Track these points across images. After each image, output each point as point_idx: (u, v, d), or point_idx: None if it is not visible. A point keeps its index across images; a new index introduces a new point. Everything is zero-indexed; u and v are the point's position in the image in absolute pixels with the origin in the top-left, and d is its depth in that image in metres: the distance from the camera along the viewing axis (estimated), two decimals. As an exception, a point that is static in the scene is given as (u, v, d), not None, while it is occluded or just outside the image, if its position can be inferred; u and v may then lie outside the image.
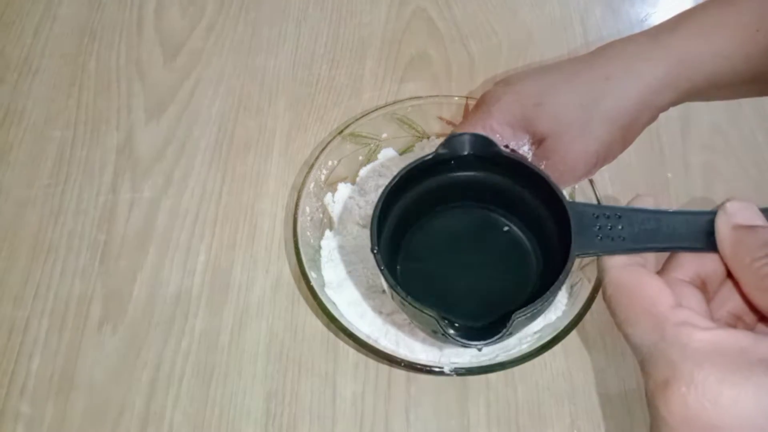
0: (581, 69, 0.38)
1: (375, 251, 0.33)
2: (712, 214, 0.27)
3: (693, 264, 0.28)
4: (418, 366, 0.39)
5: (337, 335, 0.46)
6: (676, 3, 0.66)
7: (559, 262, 0.31)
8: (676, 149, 0.55)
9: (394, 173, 0.35)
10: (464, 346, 0.30)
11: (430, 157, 0.35)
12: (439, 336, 0.32)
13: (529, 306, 0.30)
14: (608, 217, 0.29)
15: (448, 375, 0.39)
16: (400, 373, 0.44)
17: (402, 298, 0.32)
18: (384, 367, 0.45)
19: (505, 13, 0.65)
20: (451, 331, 0.30)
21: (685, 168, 0.54)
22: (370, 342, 0.40)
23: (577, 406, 0.43)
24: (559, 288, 0.30)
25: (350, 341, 0.40)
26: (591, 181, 0.44)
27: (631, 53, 0.37)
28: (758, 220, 0.27)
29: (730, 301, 0.27)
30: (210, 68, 0.60)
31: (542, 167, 0.37)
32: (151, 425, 0.42)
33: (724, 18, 0.37)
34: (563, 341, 0.39)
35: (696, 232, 0.28)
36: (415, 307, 0.31)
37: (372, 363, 0.45)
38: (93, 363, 0.45)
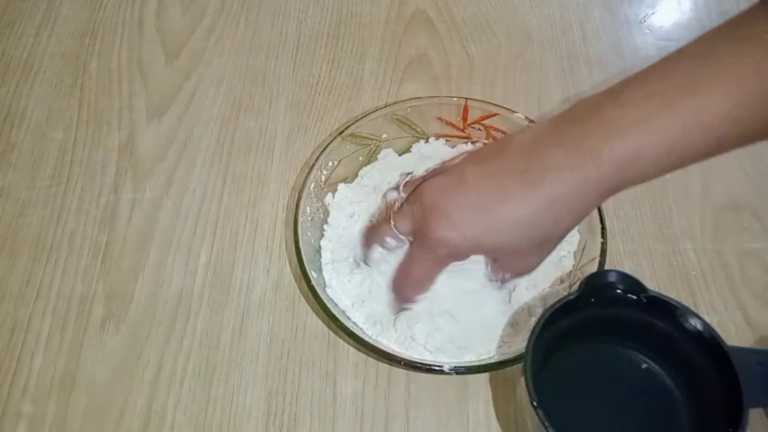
0: (524, 194, 0.35)
1: (534, 404, 0.32)
2: None
3: None
4: (419, 365, 0.40)
5: (337, 334, 0.46)
6: (675, 4, 0.67)
7: (718, 416, 0.30)
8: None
9: (543, 313, 0.36)
10: None
11: (574, 296, 0.36)
12: None
13: None
14: None
15: (448, 374, 0.39)
16: (400, 372, 0.45)
17: None
18: (384, 366, 0.45)
19: (505, 14, 0.65)
20: None
21: (683, 169, 0.54)
22: (371, 341, 0.40)
23: (576, 405, 0.43)
24: None
25: (351, 340, 0.40)
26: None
27: (566, 165, 0.34)
28: None
29: None
30: (211, 68, 0.60)
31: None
32: (152, 424, 0.43)
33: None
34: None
35: None
36: None
37: (372, 362, 0.45)
38: (94, 362, 0.45)
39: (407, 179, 0.43)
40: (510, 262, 0.40)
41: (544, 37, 0.63)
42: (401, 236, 0.40)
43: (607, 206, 0.50)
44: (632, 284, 0.37)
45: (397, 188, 0.44)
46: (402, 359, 0.40)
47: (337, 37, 0.63)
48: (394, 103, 0.52)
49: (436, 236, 0.36)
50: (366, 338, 0.41)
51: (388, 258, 0.43)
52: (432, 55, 0.62)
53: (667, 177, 0.53)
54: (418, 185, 0.39)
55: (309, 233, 0.46)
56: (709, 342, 0.33)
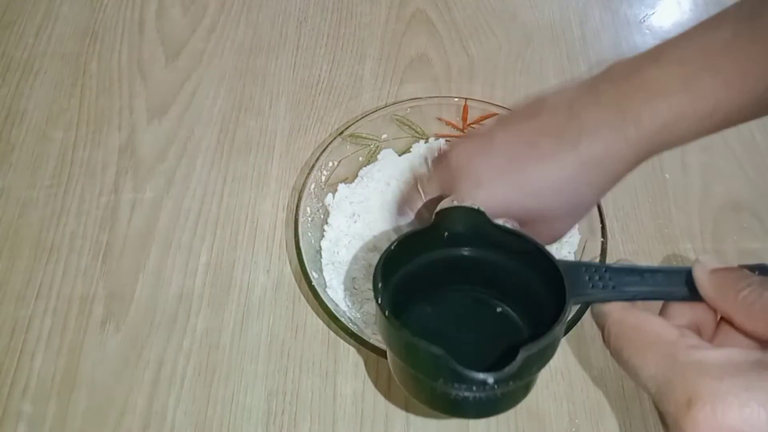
0: (559, 154, 0.34)
1: (379, 300, 0.31)
2: (688, 269, 0.29)
3: (686, 313, 0.28)
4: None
5: (337, 334, 0.46)
6: (674, 4, 0.67)
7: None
8: (675, 150, 0.55)
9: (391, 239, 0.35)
10: (470, 383, 0.27)
11: (424, 228, 0.35)
12: (440, 383, 0.29)
13: (535, 342, 0.28)
14: (596, 271, 0.30)
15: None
16: (400, 373, 0.45)
17: (406, 338, 0.29)
18: (384, 366, 0.45)
19: (505, 14, 0.65)
20: (458, 368, 0.27)
21: (683, 169, 0.54)
22: (371, 341, 0.40)
23: (575, 405, 0.44)
24: (561, 330, 0.29)
25: (351, 340, 0.40)
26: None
27: (605, 124, 0.33)
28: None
29: (728, 341, 0.27)
30: (211, 69, 0.60)
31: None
32: (152, 424, 0.43)
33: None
34: (562, 341, 0.39)
35: (678, 285, 0.29)
36: (420, 347, 0.28)
37: (372, 362, 0.45)
38: (95, 362, 0.45)
39: (436, 154, 0.42)
40: (539, 227, 0.37)
41: (544, 37, 0.63)
42: (429, 199, 0.39)
43: (607, 206, 0.50)
44: (477, 219, 0.34)
45: (425, 162, 0.43)
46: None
47: (337, 37, 0.63)
48: (394, 103, 0.52)
49: (460, 195, 0.35)
50: (366, 338, 0.41)
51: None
52: (432, 55, 0.62)
53: (667, 177, 0.54)
54: (445, 150, 0.38)
55: (309, 234, 0.46)
56: (538, 257, 0.33)
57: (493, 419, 0.43)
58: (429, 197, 0.39)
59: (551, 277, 0.31)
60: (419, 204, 0.40)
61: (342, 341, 0.46)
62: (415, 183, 0.41)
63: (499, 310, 0.35)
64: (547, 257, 0.32)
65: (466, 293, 0.36)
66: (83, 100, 0.58)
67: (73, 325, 0.46)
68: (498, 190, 0.35)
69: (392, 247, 0.33)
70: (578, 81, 0.36)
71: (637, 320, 0.27)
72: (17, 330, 0.46)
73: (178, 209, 0.52)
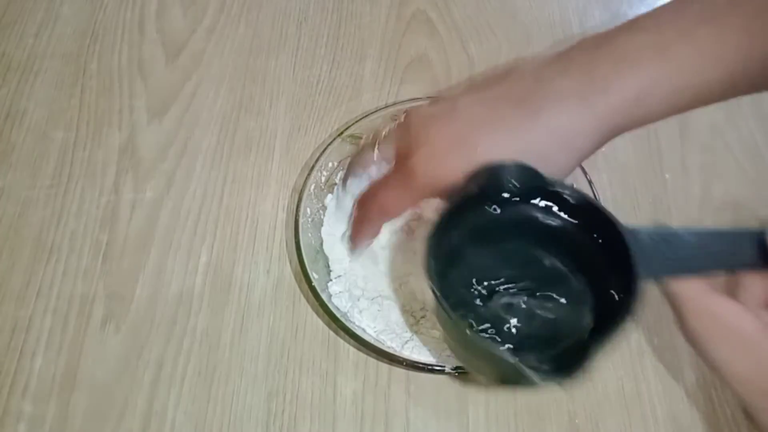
0: (519, 122, 0.32)
1: (434, 291, 0.29)
2: (761, 232, 0.27)
3: (758, 287, 0.27)
4: (419, 365, 0.40)
5: (337, 333, 0.46)
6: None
7: (616, 295, 0.29)
8: (674, 150, 0.55)
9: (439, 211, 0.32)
10: (542, 380, 0.27)
11: (472, 192, 0.32)
12: (504, 372, 0.29)
13: (606, 335, 0.27)
14: (664, 238, 0.28)
15: (448, 374, 0.39)
16: (400, 372, 0.45)
17: (478, 342, 0.29)
18: (384, 366, 0.45)
19: (505, 14, 0.65)
20: (525, 371, 0.26)
21: (683, 169, 0.54)
22: (373, 342, 0.40)
23: (575, 405, 0.44)
24: (632, 314, 0.27)
25: (351, 340, 0.40)
26: (590, 182, 0.44)
27: (570, 93, 0.31)
28: None
29: None
30: (211, 69, 0.60)
31: None
32: (153, 424, 0.43)
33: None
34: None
35: (748, 250, 0.27)
36: (490, 350, 0.28)
37: (372, 362, 0.45)
38: (95, 362, 0.45)
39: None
40: None
41: (544, 38, 0.63)
42: (383, 161, 0.37)
43: (607, 206, 0.50)
44: (531, 176, 0.32)
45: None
46: (404, 360, 0.40)
47: (337, 37, 0.63)
48: (394, 103, 0.52)
49: (413, 162, 0.33)
50: (367, 338, 0.41)
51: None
52: (432, 55, 0.62)
53: (667, 177, 0.54)
54: (407, 112, 0.36)
55: (309, 234, 0.46)
56: (602, 223, 0.31)
57: (493, 419, 0.43)
58: (383, 157, 0.37)
59: (611, 242, 0.29)
60: (371, 164, 0.38)
61: (342, 341, 0.46)
62: (369, 142, 0.39)
63: (550, 264, 0.33)
64: (610, 220, 0.30)
65: (519, 244, 0.33)
66: (83, 100, 0.58)
67: (73, 325, 0.46)
68: (450, 157, 0.33)
69: (439, 224, 0.31)
70: (551, 52, 0.34)
71: (716, 308, 0.26)
72: (17, 330, 0.46)
73: (178, 209, 0.52)
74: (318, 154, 0.48)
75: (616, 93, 0.30)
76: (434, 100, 0.37)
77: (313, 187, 0.47)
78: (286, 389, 0.44)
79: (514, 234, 0.33)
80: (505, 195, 0.32)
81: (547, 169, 0.32)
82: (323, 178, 0.49)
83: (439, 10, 0.65)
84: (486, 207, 0.33)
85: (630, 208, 0.52)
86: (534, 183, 0.32)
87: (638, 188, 0.53)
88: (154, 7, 0.65)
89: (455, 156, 0.33)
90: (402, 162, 0.35)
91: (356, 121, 0.50)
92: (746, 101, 0.57)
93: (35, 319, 0.47)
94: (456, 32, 0.63)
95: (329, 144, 0.49)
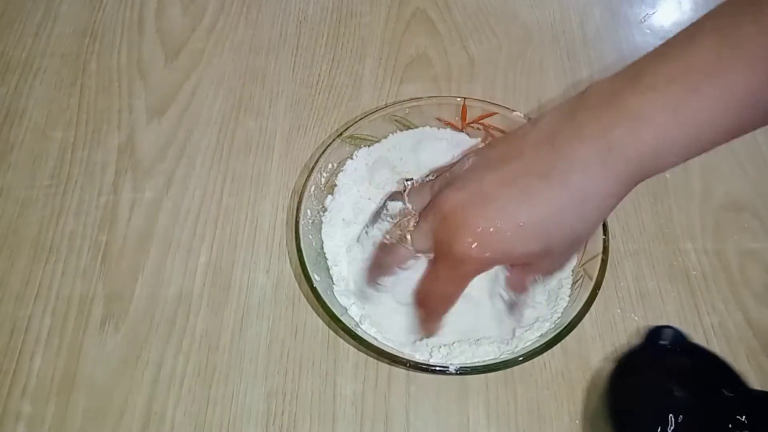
0: (551, 198, 0.34)
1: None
2: None
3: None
4: (420, 365, 0.40)
5: (337, 333, 0.46)
6: (675, 4, 0.67)
7: None
8: (675, 150, 0.55)
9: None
10: None
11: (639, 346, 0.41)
12: None
13: None
14: None
15: (449, 374, 0.39)
16: (399, 373, 0.44)
17: None
18: (384, 366, 0.45)
19: (505, 14, 0.65)
20: None
21: (683, 169, 0.54)
22: (376, 343, 0.40)
23: (575, 405, 0.43)
24: None
25: (351, 340, 0.40)
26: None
27: (591, 160, 0.33)
28: None
29: None
30: (211, 68, 0.60)
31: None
32: (152, 425, 0.43)
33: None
34: (562, 342, 0.39)
35: None
36: None
37: (372, 362, 0.45)
38: (94, 363, 0.45)
39: (411, 186, 0.41)
40: (540, 265, 0.38)
41: (544, 37, 0.63)
42: (420, 255, 0.39)
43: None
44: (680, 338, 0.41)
45: (395, 197, 0.42)
46: (408, 361, 0.40)
47: (337, 37, 0.63)
48: (394, 103, 0.52)
49: (462, 253, 0.35)
50: (369, 339, 0.41)
51: (402, 279, 0.41)
52: (432, 55, 0.62)
53: (668, 176, 0.54)
54: (433, 200, 0.38)
55: (310, 236, 0.46)
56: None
57: (493, 419, 0.43)
58: (419, 249, 0.38)
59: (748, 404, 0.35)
60: (408, 259, 0.39)
61: (342, 341, 0.46)
62: (400, 235, 0.40)
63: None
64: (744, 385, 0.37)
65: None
66: (83, 100, 0.58)
67: (72, 325, 0.46)
68: (496, 240, 0.34)
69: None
70: (554, 107, 0.35)
71: None
72: (16, 330, 0.46)
73: (177, 209, 0.52)
74: (318, 156, 0.48)
75: (634, 155, 0.32)
76: (449, 177, 0.38)
77: (313, 188, 0.47)
78: (286, 389, 0.44)
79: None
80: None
81: (584, 228, 0.35)
82: (323, 180, 0.49)
83: (439, 10, 0.65)
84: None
85: (631, 207, 0.52)
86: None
87: (639, 188, 0.52)
88: (154, 6, 0.65)
89: (500, 236, 0.34)
90: (446, 252, 0.36)
91: (355, 122, 0.50)
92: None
93: (34, 319, 0.47)
94: (456, 32, 0.63)
95: (329, 145, 0.48)
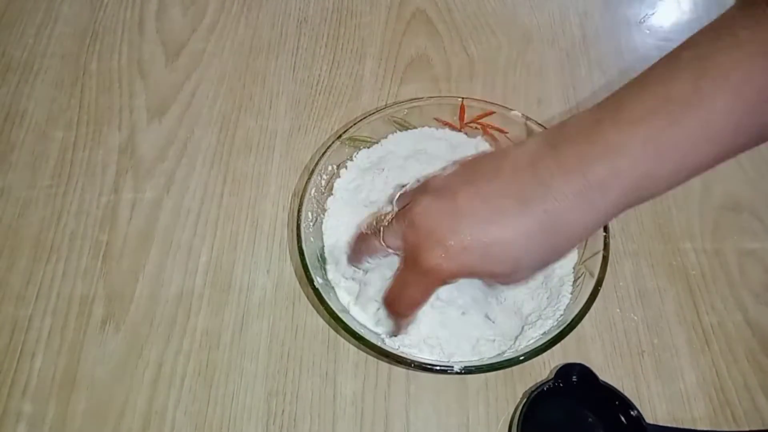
0: (524, 222, 0.34)
1: None
2: None
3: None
4: (421, 365, 0.40)
5: (338, 332, 0.46)
6: (674, 4, 0.67)
7: None
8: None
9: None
10: None
11: (548, 385, 0.43)
12: None
13: None
14: None
15: (449, 374, 0.39)
16: (400, 372, 0.45)
17: None
18: (384, 366, 0.45)
19: (505, 14, 0.65)
20: None
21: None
22: (379, 344, 0.40)
23: (575, 405, 0.44)
24: None
25: (352, 340, 0.40)
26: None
27: (569, 191, 0.33)
28: None
29: None
30: (211, 69, 0.60)
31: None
32: (152, 424, 0.43)
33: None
34: (562, 342, 0.40)
35: None
36: None
37: (372, 362, 0.45)
38: (95, 362, 0.45)
39: (401, 191, 0.42)
40: (503, 281, 0.38)
41: (544, 37, 0.63)
42: (390, 251, 0.39)
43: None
44: (588, 375, 0.43)
45: (391, 201, 0.43)
46: (412, 361, 0.40)
47: (337, 37, 0.63)
48: (394, 104, 0.52)
49: (430, 264, 0.35)
50: (372, 339, 0.41)
51: (374, 267, 0.43)
52: (432, 55, 0.62)
53: (667, 177, 0.54)
54: (410, 203, 0.38)
55: (312, 239, 0.46)
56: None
57: (493, 420, 0.43)
58: (389, 245, 0.39)
59: None
60: (378, 252, 0.40)
61: (342, 341, 0.46)
62: (376, 227, 0.40)
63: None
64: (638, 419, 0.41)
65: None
66: (83, 100, 0.58)
67: (73, 325, 0.46)
68: (463, 256, 0.34)
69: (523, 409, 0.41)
70: (537, 135, 0.36)
71: None
72: (17, 330, 0.46)
73: (177, 209, 0.52)
74: (318, 158, 0.48)
75: (615, 190, 0.32)
76: (427, 186, 0.38)
77: (313, 191, 0.47)
78: (286, 389, 0.44)
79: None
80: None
81: (552, 256, 0.35)
82: (323, 182, 0.49)
83: (439, 10, 0.65)
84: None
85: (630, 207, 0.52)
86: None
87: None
88: (154, 7, 0.65)
89: (468, 252, 0.34)
90: (415, 259, 0.36)
91: (355, 123, 0.50)
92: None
93: (35, 319, 0.47)
94: (456, 32, 0.63)
95: (329, 147, 0.49)
